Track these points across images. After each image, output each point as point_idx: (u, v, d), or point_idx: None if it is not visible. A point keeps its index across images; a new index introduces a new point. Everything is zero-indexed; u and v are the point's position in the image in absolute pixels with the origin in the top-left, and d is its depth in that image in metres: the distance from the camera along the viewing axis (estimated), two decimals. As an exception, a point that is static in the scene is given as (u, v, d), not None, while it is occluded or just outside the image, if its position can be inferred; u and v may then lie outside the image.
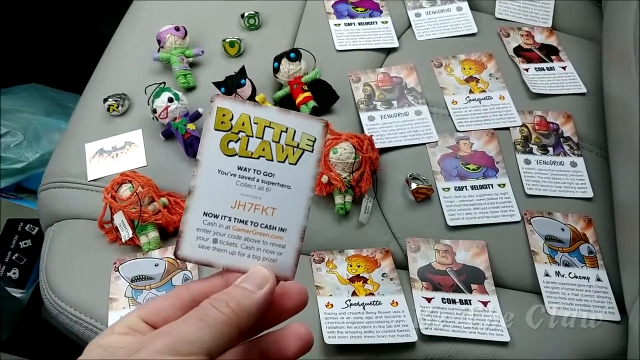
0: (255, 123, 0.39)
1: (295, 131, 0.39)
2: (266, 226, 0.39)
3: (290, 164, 0.39)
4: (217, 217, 0.39)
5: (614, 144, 0.73)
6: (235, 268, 0.39)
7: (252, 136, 0.39)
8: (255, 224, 0.39)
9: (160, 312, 0.36)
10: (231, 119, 0.39)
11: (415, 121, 0.75)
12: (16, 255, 0.94)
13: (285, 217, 0.39)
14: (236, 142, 0.39)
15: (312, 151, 0.39)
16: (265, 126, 0.39)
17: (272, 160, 0.39)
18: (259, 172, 0.39)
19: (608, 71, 0.78)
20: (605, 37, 0.82)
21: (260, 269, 0.38)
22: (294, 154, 0.39)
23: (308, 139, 0.39)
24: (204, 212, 0.38)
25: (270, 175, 0.39)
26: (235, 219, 0.39)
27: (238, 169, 0.39)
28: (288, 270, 0.39)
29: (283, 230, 0.39)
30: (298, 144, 0.39)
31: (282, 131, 0.39)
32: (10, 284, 0.92)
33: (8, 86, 1.07)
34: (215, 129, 0.39)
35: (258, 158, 0.39)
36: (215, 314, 0.34)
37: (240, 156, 0.39)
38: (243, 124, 0.39)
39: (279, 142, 0.39)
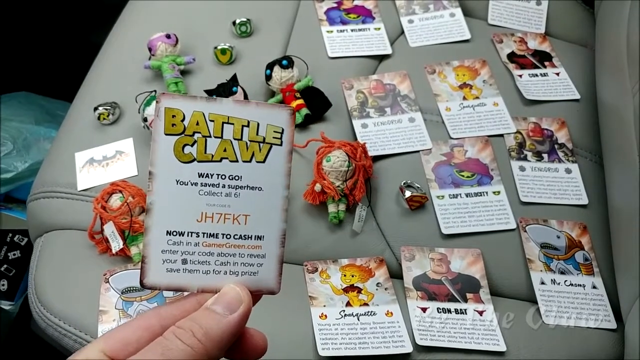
0: (211, 120, 0.34)
1: (258, 124, 0.34)
2: (240, 236, 0.35)
3: (258, 162, 0.35)
4: (182, 235, 0.34)
5: (608, 150, 0.72)
6: (211, 288, 0.34)
7: (210, 136, 0.34)
8: (228, 236, 0.35)
9: (126, 347, 0.31)
10: (183, 120, 0.34)
11: (408, 128, 0.75)
12: (5, 266, 0.92)
13: (260, 223, 0.35)
14: (192, 145, 0.34)
15: (281, 144, 0.35)
16: (223, 123, 0.34)
17: (236, 161, 0.35)
18: (223, 177, 0.35)
19: (601, 77, 0.78)
20: (598, 43, 0.82)
21: (232, 288, 0.34)
22: (260, 150, 0.35)
23: (275, 131, 0.35)
24: (167, 231, 0.34)
25: (236, 178, 0.35)
26: (203, 233, 0.34)
27: (199, 176, 0.34)
28: (272, 283, 0.36)
29: (260, 239, 0.35)
30: (264, 138, 0.35)
31: (243, 126, 0.34)
32: (-1, 295, 0.91)
33: (-3, 94, 1.06)
34: (166, 134, 0.34)
35: (220, 161, 0.34)
36: (179, 346, 0.30)
37: (199, 161, 0.34)
38: (197, 124, 0.34)
39: (241, 139, 0.34)
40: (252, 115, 0.35)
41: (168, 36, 0.76)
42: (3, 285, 0.91)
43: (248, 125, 0.35)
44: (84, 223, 0.66)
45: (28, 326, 0.91)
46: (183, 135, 0.34)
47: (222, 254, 0.35)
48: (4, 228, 0.96)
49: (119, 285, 0.62)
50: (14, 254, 0.94)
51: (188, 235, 0.34)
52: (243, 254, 0.35)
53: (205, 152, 0.34)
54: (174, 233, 0.34)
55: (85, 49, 0.91)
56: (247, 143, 0.35)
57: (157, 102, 0.34)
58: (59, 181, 0.71)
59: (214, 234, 0.35)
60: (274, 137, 0.35)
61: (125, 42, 0.83)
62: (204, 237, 0.35)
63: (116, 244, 0.63)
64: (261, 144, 0.35)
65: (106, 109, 0.74)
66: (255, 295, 0.35)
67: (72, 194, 0.70)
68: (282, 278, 0.65)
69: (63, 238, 0.68)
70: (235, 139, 0.35)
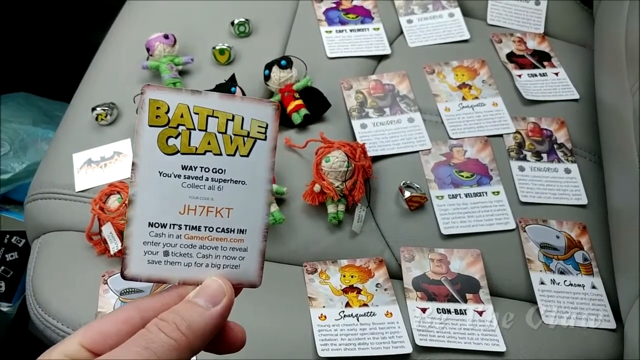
0: (195, 113, 0.34)
1: (243, 118, 0.35)
2: (223, 230, 0.35)
3: (242, 156, 0.35)
4: (164, 227, 0.34)
5: (607, 150, 0.72)
6: (193, 281, 0.34)
7: (194, 129, 0.34)
8: (210, 229, 0.35)
9: (106, 339, 0.31)
10: (167, 112, 0.34)
11: (408, 129, 0.75)
12: (2, 268, 0.92)
13: (243, 216, 0.35)
14: (176, 137, 0.34)
15: (265, 139, 0.35)
16: (208, 116, 0.34)
17: (220, 154, 0.35)
18: (207, 170, 0.35)
19: (600, 78, 0.78)
20: (597, 43, 0.82)
21: (214, 280, 0.34)
22: (245, 144, 0.35)
23: (259, 126, 0.35)
24: (149, 223, 0.34)
25: (220, 171, 0.35)
26: (186, 226, 0.34)
27: (182, 168, 0.34)
28: (254, 276, 0.36)
29: (242, 232, 0.35)
30: (248, 133, 0.35)
31: (228, 120, 0.35)
32: (-3, 297, 0.90)
33: (-5, 95, 1.06)
34: (150, 125, 0.34)
35: (204, 153, 0.34)
36: (162, 339, 0.30)
37: (183, 153, 0.34)
38: (182, 116, 0.34)
39: (225, 132, 0.35)
40: (236, 110, 0.35)
41: (166, 36, 0.76)
42: (1, 287, 0.91)
43: (233, 119, 0.35)
44: (82, 224, 0.66)
45: (26, 328, 0.91)
46: (167, 127, 0.34)
47: (204, 247, 0.35)
48: (1, 229, 0.96)
49: (118, 287, 0.62)
50: (12, 256, 0.94)
51: (170, 227, 0.34)
52: (225, 247, 0.35)
53: (189, 145, 0.34)
54: (156, 225, 0.34)
55: (83, 49, 0.91)
56: (231, 137, 0.35)
57: (141, 93, 0.34)
58: (56, 182, 0.71)
59: (196, 226, 0.35)
60: (258, 132, 0.35)
61: (123, 42, 0.83)
62: (186, 229, 0.35)
63: (114, 245, 0.63)
64: (245, 138, 0.35)
65: (104, 110, 0.73)
66: (236, 288, 0.35)
67: (70, 195, 0.69)
68: (282, 279, 0.65)
69: (61, 239, 0.68)
70: (219, 133, 0.35)
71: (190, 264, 0.35)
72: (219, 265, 0.35)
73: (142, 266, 0.34)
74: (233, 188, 0.35)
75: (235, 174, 0.35)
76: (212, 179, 0.35)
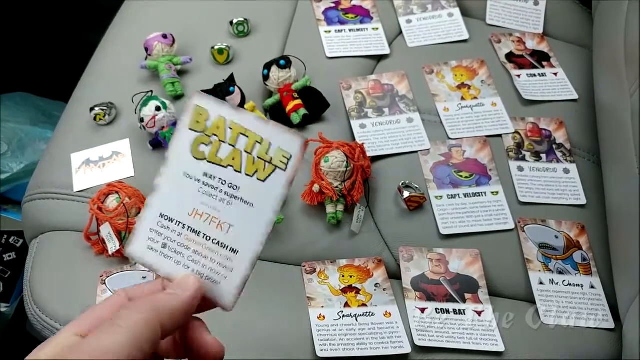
0: (230, 128, 0.36)
1: (270, 144, 0.36)
2: (218, 243, 0.36)
3: (258, 179, 0.36)
4: (171, 221, 0.37)
5: (606, 150, 0.72)
6: (174, 278, 0.36)
7: (225, 142, 0.36)
8: (207, 238, 0.36)
9: (98, 325, 0.33)
10: (207, 120, 0.36)
11: (407, 129, 0.75)
12: (0, 268, 0.92)
13: (240, 237, 0.36)
14: (207, 145, 0.36)
15: (285, 169, 0.36)
16: (240, 133, 0.36)
17: (240, 172, 0.36)
18: (223, 183, 0.36)
19: (599, 78, 0.78)
20: (596, 44, 0.82)
21: (188, 277, 0.36)
22: (264, 169, 0.36)
23: (283, 156, 0.36)
24: (161, 214, 0.37)
25: (235, 188, 0.36)
26: (189, 227, 0.37)
27: (204, 175, 0.36)
28: (228, 298, 0.36)
29: (234, 252, 0.36)
30: (271, 159, 0.36)
31: (256, 142, 0.36)
32: (-5, 297, 0.90)
33: (-7, 95, 1.06)
34: (190, 129, 0.36)
35: (226, 167, 0.36)
36: (131, 315, 0.32)
37: (208, 162, 0.36)
38: (218, 127, 0.36)
39: (251, 153, 0.36)
40: (267, 134, 0.36)
41: (165, 36, 0.76)
42: (-1, 287, 0.91)
43: (261, 143, 0.36)
44: (80, 224, 0.66)
45: (24, 328, 0.90)
46: (203, 134, 0.36)
47: (197, 252, 0.37)
48: (-1, 229, 0.96)
49: (116, 287, 0.62)
50: (9, 256, 0.94)
51: (175, 224, 0.37)
52: (214, 260, 0.37)
53: (217, 155, 0.36)
54: (166, 217, 0.37)
55: (82, 49, 0.91)
56: (254, 158, 0.36)
57: (192, 96, 0.36)
58: (54, 182, 0.70)
59: (197, 231, 0.37)
60: (280, 161, 0.36)
61: (122, 42, 0.83)
62: (187, 230, 0.37)
63: (113, 245, 0.63)
64: (267, 164, 0.36)
65: (102, 110, 0.73)
66: (207, 304, 0.37)
67: (68, 195, 0.69)
68: (280, 279, 0.65)
69: (59, 239, 0.68)
70: (245, 152, 0.36)
71: (179, 263, 0.37)
72: (202, 275, 0.37)
73: (141, 249, 0.37)
74: (240, 207, 0.36)
75: (246, 195, 0.36)
76: (225, 192, 0.36)
